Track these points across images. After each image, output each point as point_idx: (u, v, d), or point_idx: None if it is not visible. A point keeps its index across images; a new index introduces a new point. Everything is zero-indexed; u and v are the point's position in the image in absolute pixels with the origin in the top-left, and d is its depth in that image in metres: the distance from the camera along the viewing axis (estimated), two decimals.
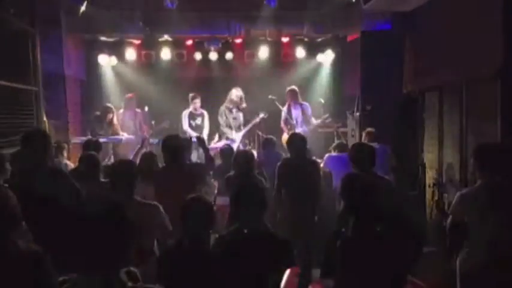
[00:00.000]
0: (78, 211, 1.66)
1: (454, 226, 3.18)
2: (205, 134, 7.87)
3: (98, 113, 7.73)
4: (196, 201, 2.73)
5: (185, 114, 8.12)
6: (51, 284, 2.09)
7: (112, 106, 7.81)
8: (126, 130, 7.99)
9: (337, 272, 2.61)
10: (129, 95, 8.24)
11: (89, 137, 6.75)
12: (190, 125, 8.08)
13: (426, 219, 5.95)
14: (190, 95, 8.16)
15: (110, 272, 1.59)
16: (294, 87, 8.03)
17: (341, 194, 2.84)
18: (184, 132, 7.89)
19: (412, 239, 2.64)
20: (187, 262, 2.53)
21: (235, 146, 7.56)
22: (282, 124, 8.07)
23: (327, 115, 7.75)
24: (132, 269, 1.80)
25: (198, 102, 8.10)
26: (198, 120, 8.13)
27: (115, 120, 7.73)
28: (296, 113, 8.02)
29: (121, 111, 8.17)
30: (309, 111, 8.00)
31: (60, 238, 2.15)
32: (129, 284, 1.63)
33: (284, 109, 8.05)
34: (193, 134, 7.61)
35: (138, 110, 8.26)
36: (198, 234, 2.61)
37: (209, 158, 4.64)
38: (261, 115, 7.91)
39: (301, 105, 8.00)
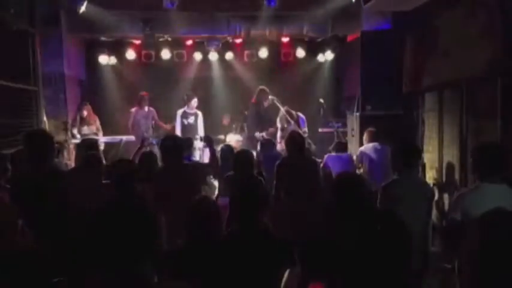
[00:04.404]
0: (105, 210, 1.65)
1: (452, 226, 3.18)
2: (199, 134, 7.88)
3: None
4: (203, 202, 2.74)
5: (179, 113, 8.10)
6: (50, 284, 2.10)
7: (86, 102, 7.89)
8: (137, 129, 8.03)
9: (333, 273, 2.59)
10: (143, 93, 8.29)
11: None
12: (182, 124, 8.05)
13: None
14: (187, 94, 8.18)
15: (136, 268, 1.59)
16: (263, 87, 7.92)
17: (332, 194, 2.84)
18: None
19: (407, 238, 2.64)
20: (192, 262, 2.53)
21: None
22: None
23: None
24: None
25: (194, 102, 8.05)
26: (191, 119, 8.11)
27: (91, 117, 7.84)
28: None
29: (133, 109, 8.24)
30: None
31: (65, 237, 2.16)
32: (155, 279, 1.64)
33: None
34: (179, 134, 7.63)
35: (151, 109, 8.33)
36: (205, 235, 2.60)
37: (214, 159, 4.61)
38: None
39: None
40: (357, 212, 2.66)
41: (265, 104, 7.87)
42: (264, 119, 7.96)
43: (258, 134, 7.77)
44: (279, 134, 7.38)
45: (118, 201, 2.85)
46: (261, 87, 8.01)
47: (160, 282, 1.66)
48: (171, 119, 8.37)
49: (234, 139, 8.05)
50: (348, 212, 2.68)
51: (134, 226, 1.59)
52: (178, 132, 7.88)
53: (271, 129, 7.72)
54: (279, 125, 7.49)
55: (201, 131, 8.08)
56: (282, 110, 7.90)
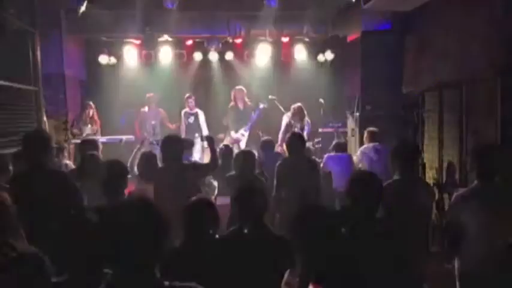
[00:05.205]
0: (114, 211, 1.64)
1: (451, 226, 3.18)
2: (199, 133, 7.94)
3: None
4: (200, 202, 2.73)
5: (182, 113, 8.41)
6: (50, 284, 2.10)
7: (90, 102, 7.89)
8: (142, 129, 8.08)
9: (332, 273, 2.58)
10: (150, 94, 8.34)
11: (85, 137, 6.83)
12: (184, 124, 8.34)
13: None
14: (186, 95, 8.39)
15: (146, 271, 1.58)
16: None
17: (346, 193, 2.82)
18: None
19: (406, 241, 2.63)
20: (191, 263, 2.53)
21: (243, 144, 7.76)
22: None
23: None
24: None
25: (191, 101, 8.33)
26: (191, 119, 8.35)
27: (95, 116, 7.88)
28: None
29: (144, 109, 8.31)
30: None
31: (64, 237, 2.16)
32: (166, 282, 1.63)
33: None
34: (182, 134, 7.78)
35: (159, 109, 8.38)
36: (202, 235, 2.60)
37: (214, 159, 4.61)
38: (261, 106, 7.91)
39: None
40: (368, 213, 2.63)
41: (243, 103, 7.92)
42: (243, 118, 7.98)
43: (233, 134, 7.87)
44: (280, 136, 7.38)
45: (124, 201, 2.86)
46: (237, 87, 8.09)
47: (171, 284, 1.65)
48: (172, 119, 8.43)
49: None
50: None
51: (142, 226, 1.58)
52: (182, 132, 8.05)
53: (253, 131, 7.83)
54: (283, 125, 7.49)
55: (202, 131, 8.12)
56: (282, 109, 7.92)
